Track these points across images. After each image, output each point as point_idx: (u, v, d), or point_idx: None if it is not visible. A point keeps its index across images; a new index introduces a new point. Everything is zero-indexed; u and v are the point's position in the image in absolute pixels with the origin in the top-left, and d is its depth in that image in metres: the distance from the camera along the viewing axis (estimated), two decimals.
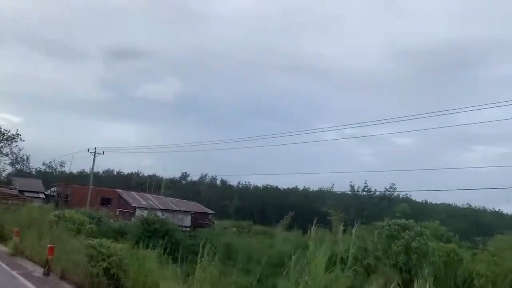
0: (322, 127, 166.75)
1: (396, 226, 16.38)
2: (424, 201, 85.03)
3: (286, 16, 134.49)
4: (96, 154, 54.95)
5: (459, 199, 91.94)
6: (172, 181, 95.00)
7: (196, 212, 58.81)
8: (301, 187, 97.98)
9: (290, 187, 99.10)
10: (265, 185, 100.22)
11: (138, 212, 45.18)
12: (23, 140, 64.56)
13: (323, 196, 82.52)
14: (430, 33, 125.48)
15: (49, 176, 77.59)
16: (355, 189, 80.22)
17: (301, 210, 65.86)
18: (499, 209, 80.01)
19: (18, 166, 75.34)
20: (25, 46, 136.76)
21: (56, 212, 20.42)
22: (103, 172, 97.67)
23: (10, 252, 13.79)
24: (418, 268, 13.50)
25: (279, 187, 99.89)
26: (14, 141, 63.58)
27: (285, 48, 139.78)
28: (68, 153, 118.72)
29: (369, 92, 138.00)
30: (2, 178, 65.45)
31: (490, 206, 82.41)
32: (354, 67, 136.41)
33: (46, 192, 59.95)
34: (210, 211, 63.53)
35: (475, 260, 15.54)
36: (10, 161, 69.27)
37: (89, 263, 9.81)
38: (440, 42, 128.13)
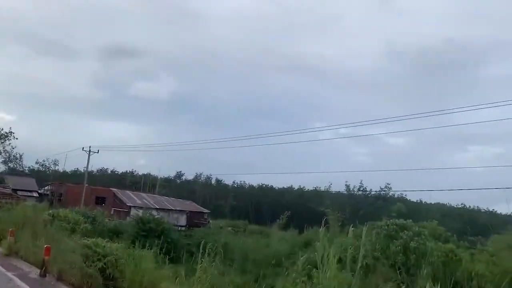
0: (317, 127, 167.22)
1: (394, 226, 16.34)
2: (419, 201, 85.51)
3: (286, 16, 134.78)
4: (91, 153, 54.49)
5: (453, 199, 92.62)
6: (167, 180, 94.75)
7: (191, 212, 58.60)
8: (296, 187, 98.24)
9: (285, 187, 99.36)
10: (260, 184, 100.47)
11: (133, 212, 44.95)
12: (17, 138, 63.98)
13: (319, 195, 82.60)
14: (430, 33, 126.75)
15: (42, 175, 77.00)
16: (351, 189, 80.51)
17: (296, 209, 65.89)
18: (493, 209, 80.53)
19: (11, 165, 74.65)
20: (19, 45, 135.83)
21: (50, 211, 20.14)
22: (97, 171, 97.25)
23: (5, 252, 13.52)
24: (417, 268, 13.43)
25: (274, 186, 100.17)
26: (8, 139, 62.94)
27: (285, 48, 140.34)
28: (62, 151, 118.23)
29: (369, 92, 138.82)
30: None
31: (484, 206, 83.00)
32: (354, 67, 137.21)
33: (39, 191, 59.43)
34: (206, 211, 63.35)
35: (474, 260, 15.51)
36: (3, 159, 68.75)
37: (85, 263, 9.63)
38: (439, 42, 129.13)
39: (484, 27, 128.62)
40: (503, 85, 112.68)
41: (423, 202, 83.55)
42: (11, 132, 62.88)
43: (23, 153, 74.35)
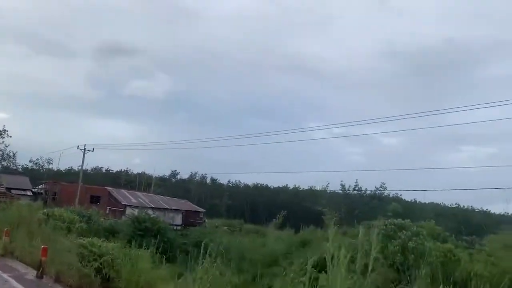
0: (311, 126, 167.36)
1: (393, 226, 16.33)
2: (413, 201, 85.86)
3: (286, 16, 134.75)
4: (86, 151, 54.08)
5: (447, 199, 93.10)
6: (161, 179, 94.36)
7: (187, 211, 58.33)
8: (291, 186, 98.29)
9: (281, 186, 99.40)
10: (256, 183, 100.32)
11: (128, 211, 44.68)
12: (10, 136, 63.30)
13: (314, 195, 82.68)
14: (430, 33, 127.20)
15: (36, 174, 76.38)
16: (346, 188, 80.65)
17: (291, 209, 65.83)
18: (487, 209, 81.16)
19: (4, 163, 73.89)
20: (14, 43, 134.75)
21: (45, 210, 19.92)
22: (92, 169, 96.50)
23: (0, 252, 13.32)
24: (415, 268, 13.40)
25: (269, 185, 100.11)
26: (1, 137, 62.31)
27: (285, 48, 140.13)
28: (56, 150, 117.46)
29: (369, 92, 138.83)
30: None
31: (478, 205, 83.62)
32: (354, 67, 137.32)
33: (33, 190, 58.91)
34: (201, 210, 63.12)
35: (472, 260, 15.53)
36: None
37: (80, 263, 9.49)
38: (439, 42, 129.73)
39: (484, 27, 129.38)
40: (503, 85, 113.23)
41: (418, 202, 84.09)
42: (5, 130, 62.29)
43: (16, 152, 73.62)
